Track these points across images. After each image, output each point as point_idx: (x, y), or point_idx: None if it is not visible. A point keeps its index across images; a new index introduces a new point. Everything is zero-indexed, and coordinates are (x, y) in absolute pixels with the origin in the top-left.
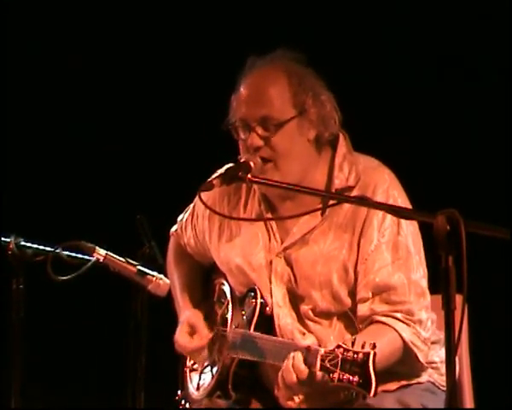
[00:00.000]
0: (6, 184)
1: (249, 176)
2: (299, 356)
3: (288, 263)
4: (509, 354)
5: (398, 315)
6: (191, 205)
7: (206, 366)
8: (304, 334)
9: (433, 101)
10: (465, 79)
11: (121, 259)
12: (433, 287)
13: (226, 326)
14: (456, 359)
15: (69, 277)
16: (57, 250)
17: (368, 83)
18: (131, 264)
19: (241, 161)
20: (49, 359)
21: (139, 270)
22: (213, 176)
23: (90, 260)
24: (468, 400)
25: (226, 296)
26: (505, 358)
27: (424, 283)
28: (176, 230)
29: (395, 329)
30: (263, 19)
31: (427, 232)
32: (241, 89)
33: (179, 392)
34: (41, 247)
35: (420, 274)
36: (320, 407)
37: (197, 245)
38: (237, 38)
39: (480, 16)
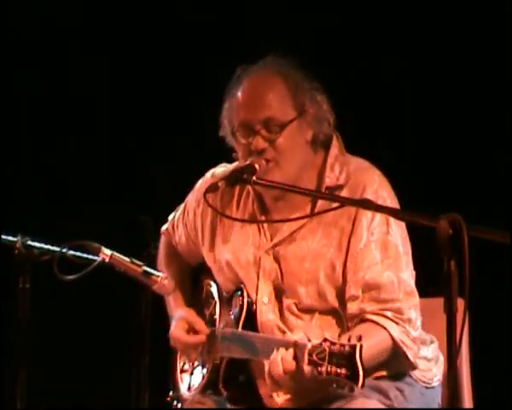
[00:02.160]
0: (12, 184)
1: (254, 178)
2: (286, 350)
3: (276, 260)
4: (507, 355)
5: (388, 314)
6: (182, 204)
7: (197, 366)
8: (284, 332)
9: (433, 103)
10: (465, 79)
11: (126, 259)
12: (425, 290)
13: (215, 326)
14: None
15: (75, 276)
16: (63, 250)
17: (366, 84)
18: (137, 264)
19: (246, 163)
20: (54, 357)
21: (144, 270)
22: (210, 172)
23: (95, 260)
24: (468, 398)
25: (213, 297)
26: (504, 359)
27: (412, 282)
28: (167, 228)
29: (385, 327)
30: (253, 23)
31: (425, 236)
32: (238, 94)
33: (170, 393)
34: (47, 246)
35: (408, 274)
36: (306, 404)
37: (188, 242)
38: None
39: (471, 18)
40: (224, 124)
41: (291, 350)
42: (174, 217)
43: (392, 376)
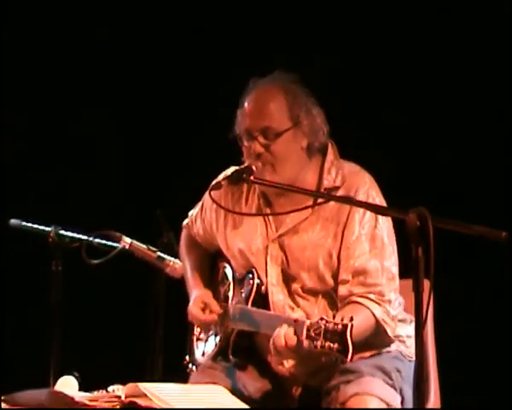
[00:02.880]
0: (49, 184)
1: (252, 178)
2: (288, 326)
3: (282, 248)
4: (468, 330)
5: (372, 296)
6: (200, 202)
7: (211, 335)
8: (293, 309)
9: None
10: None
11: (143, 246)
12: (404, 273)
13: (228, 302)
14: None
15: (100, 260)
16: (90, 238)
17: (351, 100)
18: (152, 250)
19: (245, 165)
20: (82, 330)
21: (159, 256)
22: (221, 177)
23: (117, 247)
24: (433, 368)
25: (228, 278)
26: (465, 333)
27: (395, 269)
28: (187, 223)
29: (368, 308)
30: (262, 42)
31: (400, 227)
32: (245, 104)
33: (187, 357)
34: (76, 235)
35: (392, 262)
36: (306, 370)
37: (205, 235)
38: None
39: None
40: (235, 128)
41: (292, 327)
42: (193, 213)
43: (380, 351)
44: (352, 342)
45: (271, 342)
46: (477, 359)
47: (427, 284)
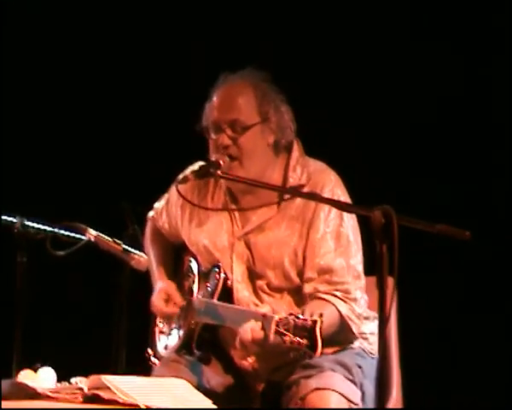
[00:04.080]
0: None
1: (219, 172)
2: (256, 321)
3: (248, 246)
4: (431, 328)
5: (338, 293)
6: (165, 195)
7: (174, 329)
8: (257, 306)
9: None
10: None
11: (109, 239)
12: (369, 270)
13: (192, 296)
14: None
15: (65, 252)
16: (55, 230)
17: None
18: (117, 243)
19: (212, 159)
20: (47, 322)
21: (124, 249)
22: (187, 171)
23: (83, 239)
24: (395, 364)
25: (193, 271)
26: (428, 330)
27: (360, 267)
28: (152, 215)
29: (334, 304)
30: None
31: (365, 225)
32: (214, 97)
33: (149, 350)
34: (42, 226)
35: (357, 260)
36: (269, 365)
37: (170, 229)
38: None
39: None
40: (202, 120)
41: (259, 322)
42: (158, 206)
43: (343, 347)
44: (322, 338)
45: (238, 336)
46: (440, 356)
47: (391, 281)
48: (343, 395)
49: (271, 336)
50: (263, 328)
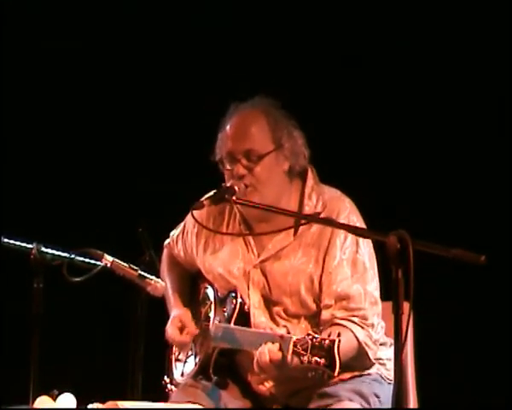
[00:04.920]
0: (31, 201)
1: (234, 198)
2: (273, 343)
3: (264, 273)
4: (448, 353)
5: (355, 319)
6: (182, 223)
7: (190, 356)
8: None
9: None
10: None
11: (125, 264)
12: (385, 295)
13: (209, 322)
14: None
15: (81, 278)
16: (72, 256)
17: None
18: (133, 269)
19: (228, 185)
20: (63, 348)
21: (140, 274)
22: (203, 198)
23: (99, 265)
24: (412, 390)
25: (209, 298)
26: (445, 356)
27: (377, 293)
28: (168, 243)
29: (352, 330)
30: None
31: (380, 249)
32: (227, 128)
33: (165, 378)
34: (58, 253)
35: (374, 286)
36: (287, 390)
37: (186, 257)
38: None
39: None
40: (216, 152)
41: (277, 343)
42: (174, 234)
43: (360, 374)
44: (340, 358)
45: (256, 359)
46: (458, 381)
47: (406, 306)
48: None
49: (289, 357)
50: (280, 349)
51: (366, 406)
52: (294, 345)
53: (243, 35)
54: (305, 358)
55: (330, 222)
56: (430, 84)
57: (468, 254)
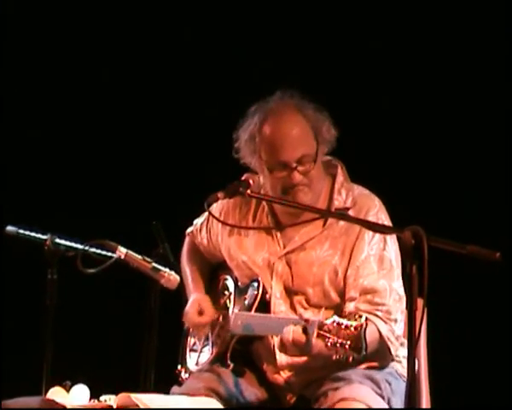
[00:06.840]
0: (46, 192)
1: (248, 191)
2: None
3: (288, 264)
4: (461, 349)
5: (379, 313)
6: (206, 212)
7: (205, 345)
8: None
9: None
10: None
11: (139, 256)
12: None
13: (228, 311)
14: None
15: (95, 270)
16: (86, 247)
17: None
18: (147, 261)
19: (242, 178)
20: (76, 338)
21: (154, 266)
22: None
23: (113, 257)
24: (425, 386)
25: (229, 289)
26: (459, 352)
27: (401, 291)
28: (192, 231)
29: (375, 324)
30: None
31: None
32: (267, 133)
33: (179, 367)
34: (72, 244)
35: (399, 283)
36: (305, 380)
37: (209, 244)
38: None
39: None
40: (244, 149)
41: (301, 325)
42: (198, 222)
43: (379, 367)
44: (366, 340)
45: (279, 339)
46: (471, 377)
47: (420, 302)
48: (369, 407)
49: (313, 340)
50: (304, 332)
51: (377, 390)
52: (320, 327)
53: (243, 35)
54: (331, 340)
55: (343, 216)
56: (446, 83)
57: (483, 250)
